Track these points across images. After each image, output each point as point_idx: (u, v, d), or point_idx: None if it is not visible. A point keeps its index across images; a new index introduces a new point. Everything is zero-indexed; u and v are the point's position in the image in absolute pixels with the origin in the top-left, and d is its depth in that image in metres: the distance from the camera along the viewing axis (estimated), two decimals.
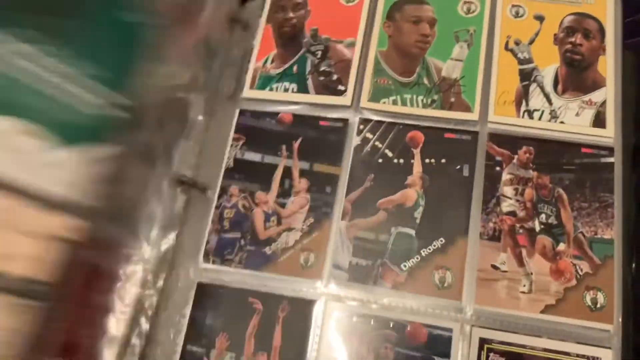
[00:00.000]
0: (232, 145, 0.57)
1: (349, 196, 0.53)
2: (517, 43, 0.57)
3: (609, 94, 0.54)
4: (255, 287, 0.52)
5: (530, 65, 0.56)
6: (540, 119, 0.54)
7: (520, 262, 0.49)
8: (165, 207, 0.55)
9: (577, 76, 0.55)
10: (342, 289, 0.51)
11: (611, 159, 0.52)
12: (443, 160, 0.54)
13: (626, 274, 0.49)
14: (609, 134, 0.53)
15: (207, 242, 0.54)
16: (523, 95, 0.55)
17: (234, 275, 0.52)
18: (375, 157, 0.55)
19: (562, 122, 0.53)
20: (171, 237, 0.55)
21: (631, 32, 0.65)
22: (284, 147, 0.56)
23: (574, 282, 0.48)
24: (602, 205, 0.50)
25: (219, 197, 0.55)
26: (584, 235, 0.50)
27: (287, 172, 0.55)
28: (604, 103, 0.54)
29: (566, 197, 0.51)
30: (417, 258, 0.50)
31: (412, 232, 0.51)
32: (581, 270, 0.49)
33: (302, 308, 0.50)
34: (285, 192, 0.55)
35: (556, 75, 0.56)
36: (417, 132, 0.55)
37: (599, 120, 0.53)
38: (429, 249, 0.51)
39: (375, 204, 0.53)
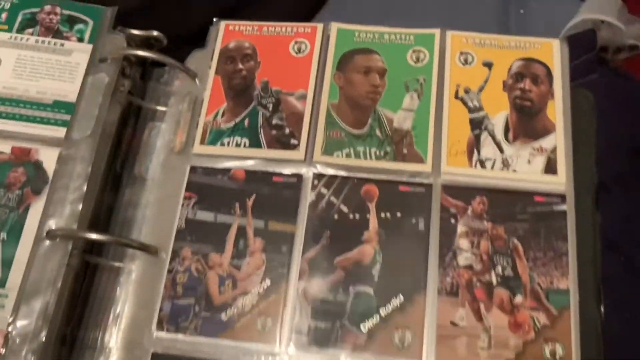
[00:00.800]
0: (183, 205, 0.55)
1: (305, 255, 0.52)
2: (466, 91, 0.57)
3: (558, 140, 0.55)
4: (212, 355, 0.50)
5: (481, 114, 0.56)
6: (492, 168, 0.54)
7: (479, 317, 0.49)
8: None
9: (528, 122, 0.56)
10: (301, 354, 0.49)
11: (564, 207, 0.52)
12: (398, 214, 0.53)
13: (595, 319, 0.49)
14: (561, 180, 0.53)
15: (161, 309, 0.52)
16: (475, 145, 0.55)
17: (189, 344, 0.50)
18: (330, 213, 0.54)
19: (514, 171, 0.54)
20: (122, 304, 0.53)
21: (583, 71, 0.66)
22: (237, 205, 0.55)
23: (532, 335, 0.48)
24: (556, 255, 0.51)
25: (171, 260, 0.53)
26: (540, 286, 0.50)
27: (242, 231, 0.54)
28: (554, 149, 0.54)
29: (521, 248, 0.51)
30: (377, 318, 0.50)
31: (371, 290, 0.51)
32: (539, 322, 0.49)
33: None
34: (240, 253, 0.53)
35: (507, 122, 0.56)
36: (372, 186, 0.54)
37: (550, 167, 0.54)
38: (388, 308, 0.50)
39: (333, 262, 0.52)
